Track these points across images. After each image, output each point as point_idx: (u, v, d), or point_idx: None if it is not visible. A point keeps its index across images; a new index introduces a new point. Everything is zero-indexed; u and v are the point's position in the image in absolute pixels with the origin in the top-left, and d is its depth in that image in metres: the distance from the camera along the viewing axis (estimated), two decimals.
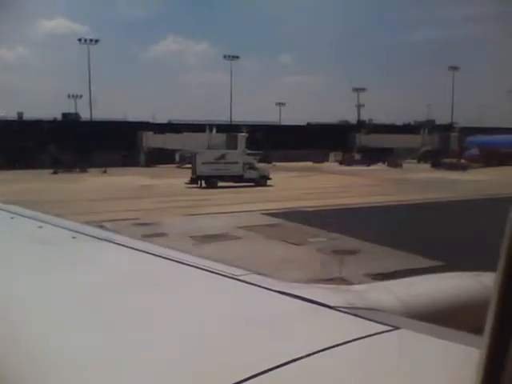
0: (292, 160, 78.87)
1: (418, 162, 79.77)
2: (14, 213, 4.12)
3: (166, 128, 76.56)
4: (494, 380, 0.73)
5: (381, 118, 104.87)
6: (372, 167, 69.46)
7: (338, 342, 1.40)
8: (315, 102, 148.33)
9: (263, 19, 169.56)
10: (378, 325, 1.58)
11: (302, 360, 1.30)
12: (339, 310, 1.73)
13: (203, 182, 44.78)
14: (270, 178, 46.65)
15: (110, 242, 3.06)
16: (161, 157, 69.85)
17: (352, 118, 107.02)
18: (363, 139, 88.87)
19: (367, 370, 1.34)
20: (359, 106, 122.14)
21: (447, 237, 19.48)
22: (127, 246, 2.94)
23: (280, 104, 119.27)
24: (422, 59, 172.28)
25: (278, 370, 1.25)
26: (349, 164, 73.31)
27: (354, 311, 1.72)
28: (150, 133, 73.02)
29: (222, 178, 45.50)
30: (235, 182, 45.10)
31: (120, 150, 70.63)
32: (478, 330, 1.30)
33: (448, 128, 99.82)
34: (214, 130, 72.58)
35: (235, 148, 70.76)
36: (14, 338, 1.70)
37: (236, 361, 1.38)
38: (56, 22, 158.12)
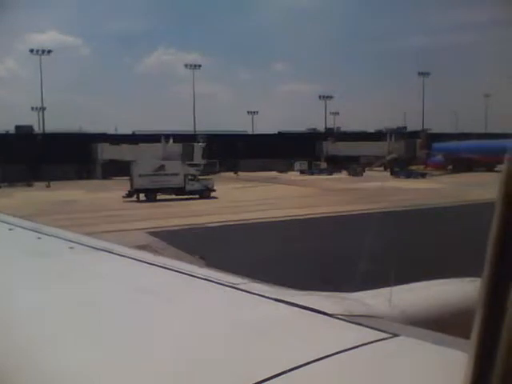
0: (260, 169, 77.27)
1: (385, 169, 78.27)
2: (13, 224, 4.09)
3: (127, 139, 74.71)
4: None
5: (356, 126, 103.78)
6: (334, 176, 67.75)
7: (337, 350, 1.40)
8: (304, 109, 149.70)
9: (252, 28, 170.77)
10: (377, 332, 1.57)
11: (301, 368, 1.30)
12: (338, 318, 1.73)
13: (144, 195, 42.77)
14: (214, 190, 44.72)
15: (108, 252, 3.04)
16: (117, 169, 67.97)
17: (325, 126, 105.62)
18: (330, 147, 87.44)
19: (366, 377, 1.34)
20: (334, 114, 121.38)
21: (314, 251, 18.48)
22: (125, 256, 2.93)
23: (252, 113, 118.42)
24: (406, 66, 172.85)
25: (277, 378, 1.26)
26: (310, 173, 71.49)
27: (352, 319, 1.72)
28: (106, 144, 70.90)
29: (165, 191, 43.61)
30: (177, 195, 43.18)
31: (77, 163, 68.87)
32: None
33: (418, 134, 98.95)
34: (171, 141, 70.54)
35: (191, 159, 69.16)
36: (13, 349, 1.69)
37: (235, 369, 1.38)
38: (47, 34, 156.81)
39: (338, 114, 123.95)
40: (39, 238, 3.51)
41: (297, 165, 78.95)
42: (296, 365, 1.31)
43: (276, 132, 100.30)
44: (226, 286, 2.19)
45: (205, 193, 43.94)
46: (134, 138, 76.47)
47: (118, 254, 2.99)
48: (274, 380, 1.24)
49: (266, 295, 2.01)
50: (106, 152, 70.13)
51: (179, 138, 72.12)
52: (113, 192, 44.74)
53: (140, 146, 68.04)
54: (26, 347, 1.69)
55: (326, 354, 1.37)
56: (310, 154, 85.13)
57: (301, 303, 1.85)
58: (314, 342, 1.56)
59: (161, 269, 2.59)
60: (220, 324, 1.78)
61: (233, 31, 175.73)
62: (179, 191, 43.77)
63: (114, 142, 71.36)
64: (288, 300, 1.90)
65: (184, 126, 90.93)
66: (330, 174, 70.32)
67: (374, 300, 2.01)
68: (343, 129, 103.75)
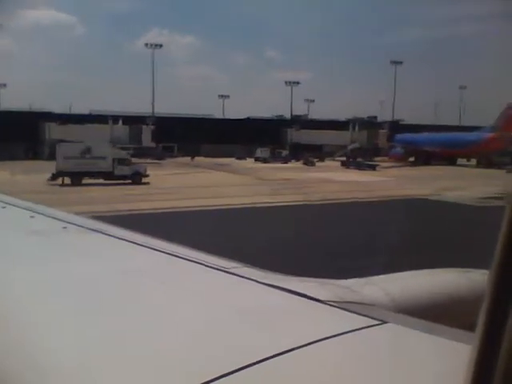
0: (221, 155, 75.11)
1: (348, 159, 76.53)
2: (6, 202, 4.06)
3: (82, 119, 72.11)
4: (485, 376, 0.74)
5: (334, 114, 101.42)
6: (287, 165, 65.85)
7: (327, 336, 1.42)
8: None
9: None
10: (367, 319, 1.60)
11: (291, 352, 1.32)
12: (329, 304, 1.75)
13: (69, 178, 40.46)
14: (146, 175, 42.53)
15: (101, 232, 3.03)
16: None
17: (291, 113, 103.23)
18: (294, 135, 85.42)
19: (356, 362, 1.36)
20: (309, 101, 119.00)
21: None
22: (118, 238, 2.92)
23: (223, 96, 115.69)
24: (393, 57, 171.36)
25: (267, 362, 1.28)
26: (265, 161, 69.40)
27: (343, 305, 1.74)
28: (53, 124, 68.15)
29: (92, 175, 41.37)
30: (106, 180, 40.95)
31: (26, 142, 66.30)
32: (465, 326, 1.42)
33: (392, 125, 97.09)
34: (120, 122, 68.01)
35: (139, 141, 66.92)
36: (3, 327, 1.70)
37: (226, 353, 1.39)
38: (42, 12, 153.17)
39: (313, 101, 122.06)
40: (32, 217, 3.50)
41: (258, 152, 76.81)
42: (286, 349, 1.32)
43: (245, 117, 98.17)
44: (219, 269, 2.19)
45: (136, 178, 41.76)
46: (87, 118, 73.88)
47: (112, 235, 2.98)
48: (263, 363, 1.26)
49: (258, 280, 2.01)
50: (53, 132, 67.45)
51: (135, 119, 69.82)
52: (44, 174, 42.39)
53: (87, 127, 65.47)
54: (18, 326, 1.69)
55: (316, 339, 1.39)
56: (276, 141, 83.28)
57: (293, 289, 1.85)
58: (305, 328, 1.56)
59: (154, 251, 2.57)
60: (211, 308, 1.77)
61: (227, 14, 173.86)
62: (107, 176, 41.47)
63: (64, 121, 68.61)
64: (280, 285, 1.91)
65: (161, 108, 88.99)
66: (286, 163, 68.38)
67: (365, 288, 2.02)
68: (316, 116, 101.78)
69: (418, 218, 22.62)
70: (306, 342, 1.37)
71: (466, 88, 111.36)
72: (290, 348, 1.33)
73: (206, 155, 77.68)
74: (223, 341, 1.48)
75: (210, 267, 2.24)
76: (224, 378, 1.21)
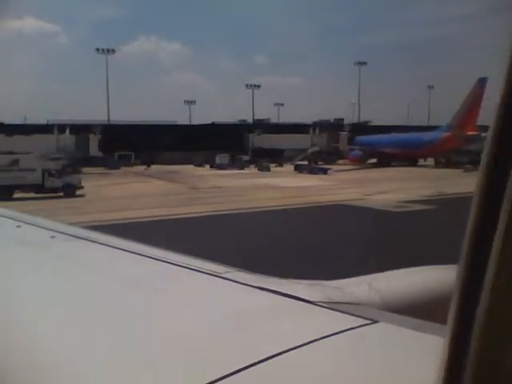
0: (180, 162, 73.14)
1: (309, 163, 75.01)
2: None
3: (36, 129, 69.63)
4: (456, 368, 0.75)
5: (305, 118, 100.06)
6: (241, 171, 64.02)
7: (318, 337, 1.43)
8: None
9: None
10: (357, 318, 1.60)
11: (283, 355, 1.33)
12: (319, 305, 1.75)
13: None
14: (81, 187, 40.40)
15: (90, 241, 3.00)
16: None
17: (253, 117, 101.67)
18: (256, 140, 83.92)
19: (347, 363, 1.37)
20: (278, 105, 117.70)
21: None
22: (107, 245, 2.88)
23: (189, 102, 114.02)
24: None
25: (259, 365, 1.28)
26: (220, 167, 67.56)
27: (333, 306, 1.74)
28: (1, 135, 65.83)
29: (21, 188, 39.17)
30: (37, 193, 38.73)
31: None
32: None
33: (358, 126, 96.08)
34: (67, 131, 65.78)
35: (86, 151, 64.84)
36: None
37: (218, 357, 1.40)
38: (25, 21, 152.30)
39: (282, 104, 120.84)
40: (19, 227, 3.44)
41: (217, 158, 74.96)
42: (277, 351, 1.33)
43: (210, 123, 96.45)
44: (210, 274, 2.17)
45: (68, 190, 39.60)
46: (41, 129, 71.35)
47: (100, 243, 2.93)
48: (256, 366, 1.27)
49: (249, 283, 2.01)
50: (1, 143, 64.93)
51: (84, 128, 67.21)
52: None
53: (33, 137, 63.14)
54: (7, 336, 1.68)
55: (307, 341, 1.39)
56: (239, 146, 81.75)
57: (283, 291, 1.86)
58: (295, 329, 1.57)
59: (144, 258, 2.54)
60: (203, 312, 1.77)
61: (215, 22, 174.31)
62: (38, 189, 39.32)
63: (9, 133, 66.20)
64: (270, 288, 1.91)
65: (141, 116, 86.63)
66: (242, 169, 66.57)
67: (354, 287, 2.03)
68: (288, 120, 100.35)
69: (312, 225, 21.07)
70: (298, 344, 1.37)
71: (434, 88, 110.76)
72: (281, 350, 1.33)
73: (166, 163, 75.83)
74: (215, 345, 1.47)
75: (202, 272, 2.22)
76: (217, 383, 1.22)
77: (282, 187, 38.73)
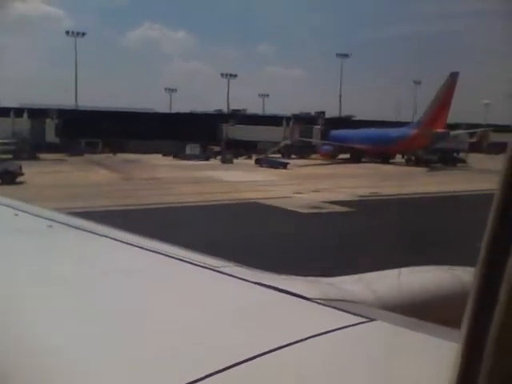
0: (151, 151, 71.00)
1: (283, 156, 72.89)
2: None
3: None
4: (470, 374, 0.74)
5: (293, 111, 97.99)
6: (208, 162, 61.99)
7: (314, 334, 1.42)
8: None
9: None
10: (354, 316, 1.60)
11: (279, 351, 1.33)
12: (316, 302, 1.74)
13: None
14: (21, 174, 38.45)
15: (87, 231, 2.98)
16: None
17: (228, 107, 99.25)
18: (230, 131, 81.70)
19: (343, 360, 1.38)
20: (263, 96, 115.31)
21: None
22: (104, 236, 2.85)
23: (171, 90, 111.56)
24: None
25: (254, 360, 1.29)
26: (185, 158, 65.50)
27: (330, 303, 1.74)
28: None
29: None
30: None
31: None
32: (451, 323, 1.43)
33: (343, 120, 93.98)
34: (25, 115, 63.44)
35: (43, 136, 62.55)
36: None
37: (213, 351, 1.39)
38: (30, 5, 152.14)
39: (267, 95, 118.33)
40: (16, 215, 3.40)
41: (187, 148, 72.83)
42: (273, 347, 1.33)
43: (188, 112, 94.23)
44: (208, 268, 2.16)
45: (6, 177, 37.62)
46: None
47: (97, 234, 2.90)
48: (251, 362, 1.27)
49: (247, 278, 2.00)
50: None
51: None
52: None
53: None
54: (5, 326, 1.66)
55: (303, 338, 1.39)
56: (213, 136, 79.73)
57: (280, 287, 1.84)
58: (291, 326, 1.57)
59: (141, 250, 2.53)
60: (198, 306, 1.76)
61: (219, 9, 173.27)
62: None
63: None
64: (267, 283, 1.89)
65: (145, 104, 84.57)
66: (207, 160, 64.52)
67: (352, 285, 2.02)
68: (270, 112, 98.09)
69: (191, 224, 19.14)
70: (294, 340, 1.36)
71: (421, 83, 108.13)
72: (277, 346, 1.33)
73: (136, 151, 73.77)
74: (211, 339, 1.46)
75: (199, 266, 2.20)
76: (211, 377, 1.22)
77: (223, 181, 36.73)
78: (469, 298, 0.74)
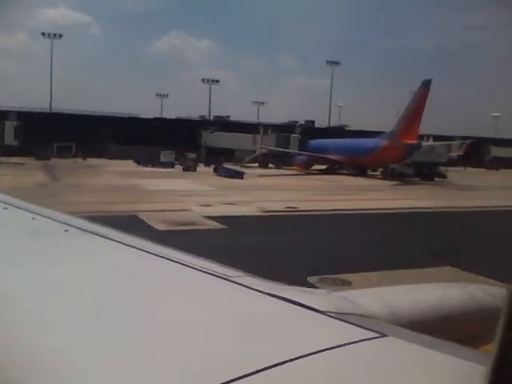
0: (128, 157, 69.03)
1: (260, 165, 70.00)
2: (7, 203, 4.01)
3: None
4: None
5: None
6: (169, 169, 59.47)
7: (325, 347, 1.41)
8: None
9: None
10: (366, 331, 1.57)
11: (288, 363, 1.32)
12: (328, 315, 1.72)
13: None
14: None
15: (104, 237, 3.00)
16: None
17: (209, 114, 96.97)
18: (209, 138, 79.33)
19: (353, 375, 1.36)
20: (258, 104, 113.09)
21: None
22: (120, 242, 2.88)
23: (162, 95, 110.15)
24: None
25: (263, 372, 1.28)
26: (147, 164, 63.09)
27: (342, 316, 1.71)
28: None
29: None
30: None
31: None
32: (465, 341, 1.45)
33: (333, 130, 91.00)
34: None
35: (1, 138, 60.89)
36: (4, 333, 1.68)
37: (222, 362, 1.39)
38: (58, 11, 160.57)
39: (263, 103, 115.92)
40: (34, 219, 3.42)
41: (161, 155, 70.56)
42: (282, 360, 1.31)
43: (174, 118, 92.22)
44: (219, 277, 2.16)
45: None
46: None
47: (114, 240, 2.91)
48: (260, 374, 1.26)
49: (258, 289, 1.98)
50: None
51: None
52: None
53: None
54: (16, 329, 1.67)
55: (313, 351, 1.37)
56: (192, 143, 77.59)
57: (291, 298, 1.83)
58: (302, 338, 1.54)
59: (155, 257, 2.54)
60: (208, 316, 1.73)
61: (242, 18, 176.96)
62: None
63: None
64: (279, 294, 1.88)
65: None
66: (172, 167, 62.05)
67: (365, 299, 1.99)
68: (264, 121, 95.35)
69: None
70: (304, 353, 1.34)
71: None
72: (287, 358, 1.31)
73: (110, 157, 72.15)
74: (220, 350, 1.44)
75: (212, 275, 2.19)
76: None
77: (145, 191, 33.90)
78: (501, 314, 0.72)
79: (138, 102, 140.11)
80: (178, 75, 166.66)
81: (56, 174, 41.72)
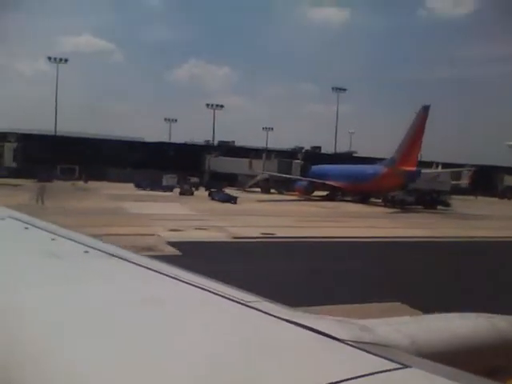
0: (126, 180, 69.27)
1: (262, 191, 69.27)
2: (28, 223, 4.03)
3: None
4: None
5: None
6: (168, 193, 59.08)
7: (345, 377, 1.37)
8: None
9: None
10: (388, 362, 1.54)
11: None
12: (348, 344, 1.68)
13: None
14: None
15: (124, 259, 3.00)
16: None
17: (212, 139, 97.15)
18: (212, 162, 79.24)
19: None
20: (267, 130, 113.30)
21: None
22: (139, 265, 2.87)
23: (170, 120, 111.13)
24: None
25: None
26: (147, 187, 62.91)
27: (363, 346, 1.68)
28: None
29: None
30: None
31: None
32: (488, 373, 1.44)
33: (340, 156, 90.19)
34: None
35: (1, 160, 61.45)
36: (22, 350, 1.68)
37: None
38: (81, 38, 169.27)
39: (271, 129, 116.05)
40: (53, 240, 3.45)
41: (164, 179, 70.49)
42: None
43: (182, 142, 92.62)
44: (238, 302, 2.15)
45: None
46: None
47: (133, 263, 2.91)
48: None
49: (277, 315, 1.96)
50: None
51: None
52: None
53: None
54: (33, 349, 1.67)
55: (334, 381, 1.34)
56: (196, 168, 77.70)
57: (311, 326, 1.79)
58: (322, 367, 1.51)
59: (174, 280, 2.53)
60: (228, 341, 1.72)
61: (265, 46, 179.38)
62: None
63: None
64: (298, 322, 1.85)
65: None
66: (171, 191, 61.69)
67: (387, 329, 1.95)
68: (273, 146, 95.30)
69: None
70: (324, 383, 1.32)
71: None
72: None
73: (113, 180, 72.50)
74: (237, 377, 1.43)
75: (230, 300, 2.18)
76: None
77: (128, 214, 33.35)
78: None
79: (149, 127, 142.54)
80: (194, 101, 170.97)
81: (46, 195, 41.54)
